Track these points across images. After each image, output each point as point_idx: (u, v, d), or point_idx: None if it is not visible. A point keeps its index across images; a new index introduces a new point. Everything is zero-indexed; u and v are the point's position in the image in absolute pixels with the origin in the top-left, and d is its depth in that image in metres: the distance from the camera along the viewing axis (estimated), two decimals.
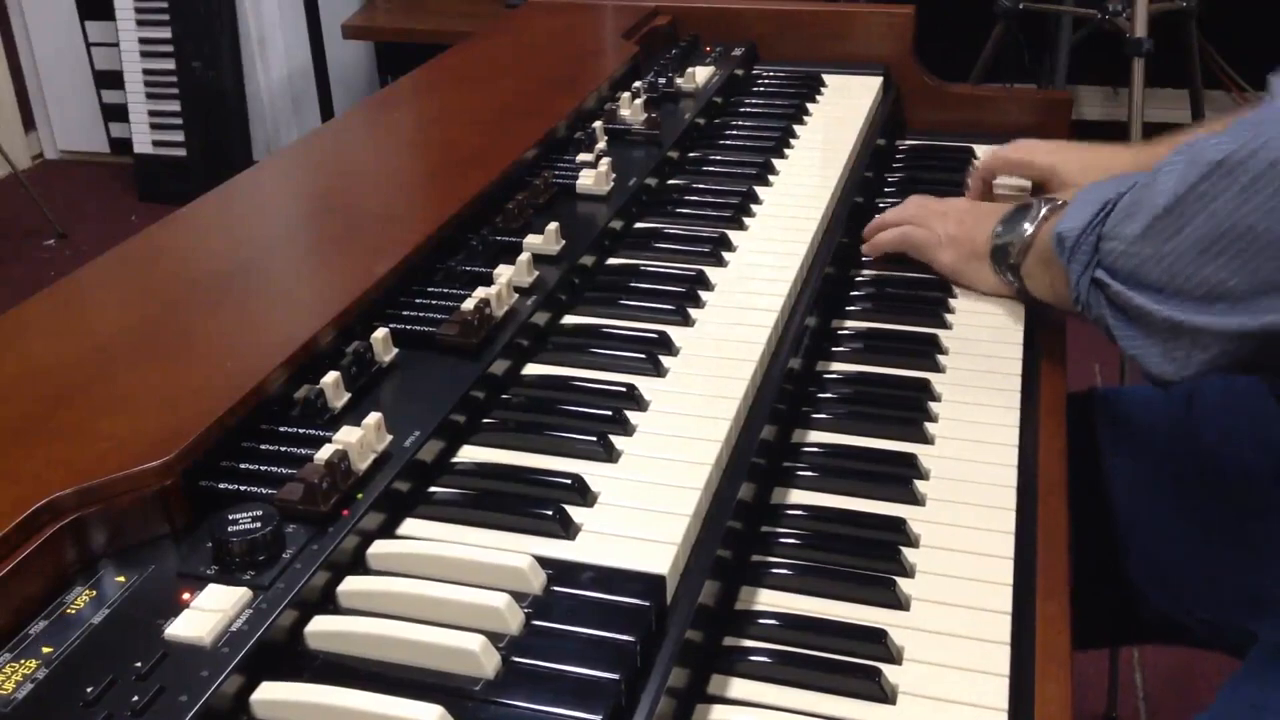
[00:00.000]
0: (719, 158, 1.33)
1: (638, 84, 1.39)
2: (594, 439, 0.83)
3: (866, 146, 1.39)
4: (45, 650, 0.61)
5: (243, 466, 0.74)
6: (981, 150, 1.44)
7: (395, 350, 0.88)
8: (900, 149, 1.51)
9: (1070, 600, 0.79)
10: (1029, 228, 1.04)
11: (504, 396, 0.90)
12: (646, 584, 0.70)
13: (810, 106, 1.47)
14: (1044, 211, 1.03)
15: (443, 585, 0.68)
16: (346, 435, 0.75)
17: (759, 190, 1.24)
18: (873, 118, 1.45)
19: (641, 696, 0.64)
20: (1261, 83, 1.01)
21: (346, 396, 0.82)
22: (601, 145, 1.26)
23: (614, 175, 1.18)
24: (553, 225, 1.04)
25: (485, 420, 0.86)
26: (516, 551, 0.71)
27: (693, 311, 1.01)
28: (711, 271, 1.08)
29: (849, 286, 1.16)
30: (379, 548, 0.72)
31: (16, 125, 3.98)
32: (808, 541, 0.83)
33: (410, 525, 0.76)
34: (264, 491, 0.71)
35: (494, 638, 0.65)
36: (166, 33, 3.62)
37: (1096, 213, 0.89)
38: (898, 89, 1.57)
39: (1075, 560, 0.83)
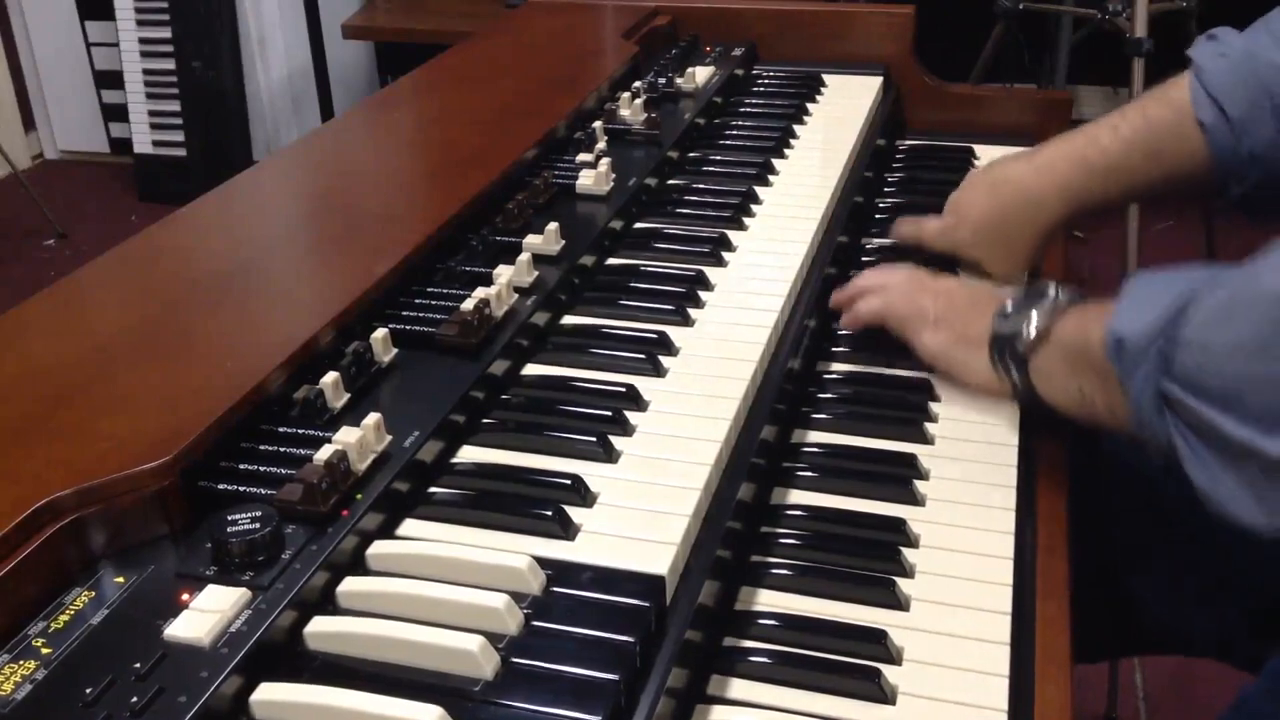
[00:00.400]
0: (719, 158, 1.33)
1: (638, 84, 1.39)
2: (593, 439, 0.83)
3: (866, 146, 1.39)
4: (44, 651, 0.61)
5: (242, 467, 0.74)
6: (982, 150, 1.45)
7: (395, 350, 0.88)
8: (900, 149, 1.51)
9: (1070, 602, 0.79)
10: (1042, 317, 0.89)
11: (503, 397, 0.90)
12: (646, 584, 0.70)
13: (810, 106, 1.47)
14: (1062, 301, 0.89)
15: (442, 586, 0.68)
16: (346, 435, 0.74)
17: (759, 190, 1.24)
18: (873, 118, 1.45)
19: (641, 697, 0.64)
20: None
21: (346, 397, 0.82)
22: (601, 145, 1.26)
23: (614, 175, 1.18)
24: (552, 225, 1.04)
25: (485, 420, 0.86)
26: (516, 552, 0.71)
27: (692, 311, 1.01)
28: (711, 271, 1.08)
29: None
30: (378, 548, 0.72)
31: (16, 125, 3.98)
32: (807, 542, 0.83)
33: (409, 526, 0.76)
34: (263, 492, 0.71)
35: (493, 638, 0.65)
36: (166, 33, 3.62)
37: (1167, 311, 0.73)
38: (898, 89, 1.57)
39: (1076, 570, 0.82)
